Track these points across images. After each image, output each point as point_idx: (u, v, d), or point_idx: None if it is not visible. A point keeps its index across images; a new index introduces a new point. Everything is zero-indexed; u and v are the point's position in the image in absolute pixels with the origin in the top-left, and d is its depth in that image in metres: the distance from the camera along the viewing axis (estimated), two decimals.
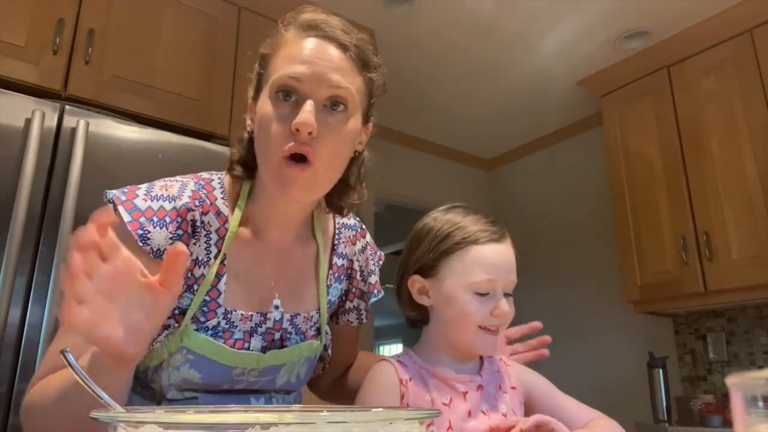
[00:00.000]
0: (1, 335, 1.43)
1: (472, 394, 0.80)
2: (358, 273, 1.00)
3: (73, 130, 1.64)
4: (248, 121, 0.85)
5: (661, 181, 2.71)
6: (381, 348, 9.16)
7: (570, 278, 3.47)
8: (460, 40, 2.76)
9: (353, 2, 2.46)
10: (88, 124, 1.66)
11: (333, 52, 0.78)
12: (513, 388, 0.85)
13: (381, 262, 1.06)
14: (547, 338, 1.03)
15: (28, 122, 1.57)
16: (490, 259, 0.81)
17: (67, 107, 1.68)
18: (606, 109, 3.04)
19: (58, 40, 1.81)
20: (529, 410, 0.86)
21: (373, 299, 1.02)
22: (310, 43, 0.77)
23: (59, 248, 1.53)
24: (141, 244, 0.74)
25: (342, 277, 0.98)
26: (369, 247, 1.02)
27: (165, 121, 1.96)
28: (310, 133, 0.73)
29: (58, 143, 1.63)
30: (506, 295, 0.82)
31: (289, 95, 0.76)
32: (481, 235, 0.82)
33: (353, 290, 1.00)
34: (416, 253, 0.86)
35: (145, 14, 2.02)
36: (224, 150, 1.94)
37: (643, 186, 2.78)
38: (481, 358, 0.87)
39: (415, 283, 0.86)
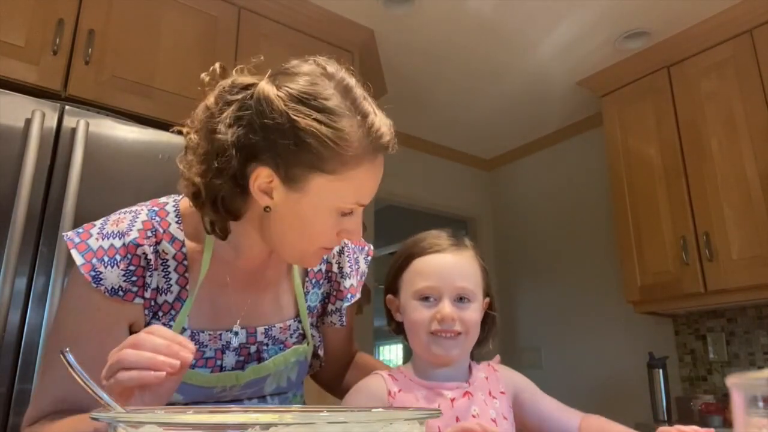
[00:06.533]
0: (1, 336, 1.43)
1: (460, 401, 0.82)
2: (338, 275, 0.99)
3: (73, 130, 1.64)
4: (259, 192, 0.75)
5: (661, 181, 2.71)
6: (381, 348, 9.15)
7: (570, 278, 3.46)
8: (460, 41, 2.75)
9: (353, 2, 2.46)
10: (88, 124, 1.66)
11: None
12: (502, 392, 0.87)
13: (369, 258, 1.05)
14: None
15: (28, 122, 1.57)
16: (430, 268, 0.85)
17: (67, 107, 1.68)
18: (606, 109, 3.03)
19: (58, 40, 1.81)
20: (515, 413, 0.87)
21: (346, 303, 0.99)
22: (380, 169, 0.78)
23: (59, 249, 1.53)
24: (95, 285, 0.75)
25: (321, 281, 0.97)
26: (347, 249, 1.00)
27: (165, 121, 1.96)
28: None
29: (58, 143, 1.63)
30: (462, 299, 0.84)
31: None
32: (426, 247, 0.87)
33: (334, 293, 0.99)
34: (389, 275, 0.92)
35: (145, 14, 2.02)
36: None
37: (643, 186, 2.78)
38: (469, 366, 0.89)
39: (392, 302, 0.91)
